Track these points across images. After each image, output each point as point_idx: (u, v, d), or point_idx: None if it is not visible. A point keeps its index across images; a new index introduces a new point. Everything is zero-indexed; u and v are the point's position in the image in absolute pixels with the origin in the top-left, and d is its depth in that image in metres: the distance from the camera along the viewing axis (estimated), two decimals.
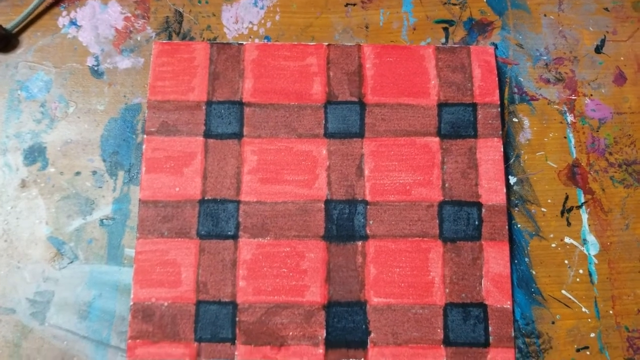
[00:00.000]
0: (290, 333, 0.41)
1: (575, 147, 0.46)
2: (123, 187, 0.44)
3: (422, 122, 0.45)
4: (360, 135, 0.45)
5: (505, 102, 0.47)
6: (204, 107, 0.45)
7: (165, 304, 0.42)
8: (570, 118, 0.46)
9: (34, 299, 0.42)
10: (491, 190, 0.44)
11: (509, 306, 0.42)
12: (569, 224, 0.44)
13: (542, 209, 0.44)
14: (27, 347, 0.41)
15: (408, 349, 0.41)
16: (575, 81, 0.47)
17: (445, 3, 0.49)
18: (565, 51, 0.48)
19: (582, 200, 0.45)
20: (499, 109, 0.45)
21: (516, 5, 0.49)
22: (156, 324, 0.41)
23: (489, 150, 0.45)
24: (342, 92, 0.46)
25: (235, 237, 0.43)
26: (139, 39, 0.48)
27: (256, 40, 0.48)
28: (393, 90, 0.46)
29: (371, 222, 0.43)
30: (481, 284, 0.42)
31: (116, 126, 0.46)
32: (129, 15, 0.48)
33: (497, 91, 0.46)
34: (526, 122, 0.46)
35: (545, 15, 0.49)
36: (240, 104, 0.45)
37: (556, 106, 0.47)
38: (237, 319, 0.41)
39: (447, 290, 0.42)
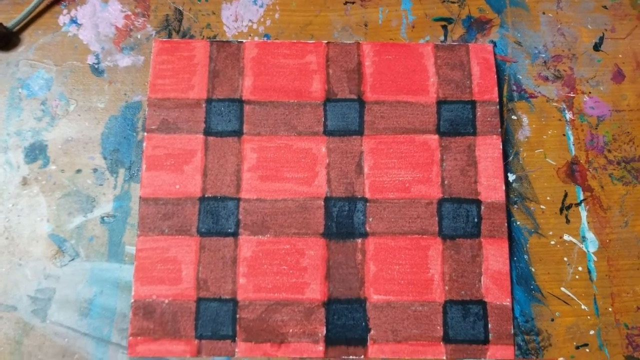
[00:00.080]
0: (291, 330, 0.42)
1: (574, 145, 0.46)
2: (124, 184, 0.44)
3: (421, 120, 0.45)
4: (360, 132, 0.45)
5: (504, 99, 0.47)
6: (204, 105, 0.45)
7: (166, 301, 0.42)
8: (569, 115, 0.46)
9: (35, 296, 0.42)
10: (490, 188, 0.44)
11: (508, 303, 0.42)
12: (568, 221, 0.44)
13: (541, 207, 0.44)
14: (28, 344, 0.41)
15: (408, 346, 0.41)
16: (574, 79, 0.47)
17: (444, 1, 0.49)
18: (563, 49, 0.48)
19: (581, 197, 0.45)
20: (498, 107, 0.45)
21: (515, 3, 0.49)
22: (157, 321, 0.41)
23: (488, 148, 0.45)
24: (342, 89, 0.46)
25: (235, 234, 0.43)
26: (139, 37, 0.48)
27: (256, 39, 0.48)
28: (392, 88, 0.46)
29: (371, 219, 0.43)
30: (480, 281, 0.42)
31: (117, 124, 0.46)
32: (129, 13, 0.48)
33: (496, 89, 0.46)
34: (525, 120, 0.46)
35: (543, 13, 0.49)
36: (240, 102, 0.46)
37: (555, 104, 0.47)
38: (237, 316, 0.42)
39: (447, 288, 0.42)
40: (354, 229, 0.43)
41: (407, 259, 0.43)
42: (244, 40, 0.47)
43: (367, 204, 0.44)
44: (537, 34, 0.48)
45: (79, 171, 0.45)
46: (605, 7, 0.49)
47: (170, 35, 0.48)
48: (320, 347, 0.41)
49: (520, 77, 0.47)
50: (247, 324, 0.41)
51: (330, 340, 0.41)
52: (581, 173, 0.45)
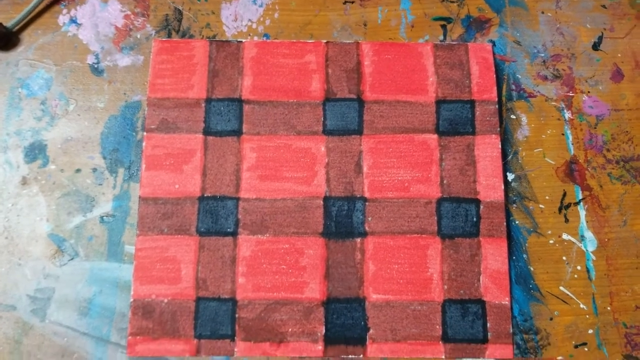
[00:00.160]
0: (290, 329, 0.42)
1: (572, 144, 0.46)
2: (123, 184, 0.45)
3: (420, 119, 0.45)
4: (359, 132, 0.45)
5: (503, 99, 0.47)
6: (203, 105, 0.45)
7: (165, 300, 0.42)
8: (567, 115, 0.47)
9: (35, 296, 0.42)
10: (489, 187, 0.44)
11: (507, 302, 0.42)
12: (566, 220, 0.44)
13: (540, 206, 0.45)
14: (27, 344, 0.41)
15: (407, 345, 0.41)
16: (573, 78, 0.47)
17: (443, 0, 0.49)
18: (562, 48, 0.48)
19: (580, 196, 0.45)
20: (497, 106, 0.46)
21: (514, 2, 0.49)
22: (156, 320, 0.41)
23: (487, 147, 0.45)
24: (341, 89, 0.46)
25: (234, 233, 0.43)
26: (138, 36, 0.48)
27: (255, 38, 0.48)
28: (391, 88, 0.46)
29: (370, 218, 0.43)
30: (479, 281, 0.42)
31: (116, 124, 0.46)
32: (129, 13, 0.48)
33: (495, 88, 0.46)
34: (524, 119, 0.46)
35: (542, 13, 0.49)
36: (240, 102, 0.46)
37: (554, 103, 0.47)
38: (236, 315, 0.42)
39: (446, 287, 0.42)
40: (353, 228, 0.43)
41: (406, 258, 0.43)
42: (244, 40, 0.47)
43: (366, 203, 0.44)
44: (536, 33, 0.48)
45: (78, 171, 0.45)
46: (604, 6, 0.49)
47: (169, 35, 0.48)
48: (320, 347, 0.41)
49: (519, 77, 0.47)
50: (246, 323, 0.42)
51: (330, 340, 0.41)
52: (580, 172, 0.45)
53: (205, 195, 0.44)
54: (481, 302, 0.42)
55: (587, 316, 0.42)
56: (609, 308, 0.43)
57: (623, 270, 0.43)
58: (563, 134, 0.46)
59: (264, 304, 0.42)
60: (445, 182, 0.44)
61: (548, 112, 0.47)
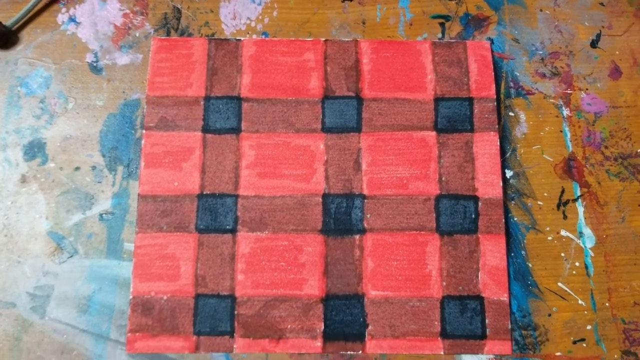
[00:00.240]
0: (289, 326, 0.42)
1: (571, 141, 0.46)
2: (122, 182, 0.45)
3: (418, 117, 0.45)
4: (358, 129, 0.45)
5: (502, 96, 0.47)
6: (202, 103, 0.46)
7: (165, 297, 0.42)
8: (566, 112, 0.47)
9: (34, 293, 0.42)
10: (487, 184, 0.44)
11: (505, 299, 0.42)
12: (565, 217, 0.44)
13: (539, 202, 0.45)
14: (27, 341, 0.41)
15: (405, 341, 0.41)
16: (571, 75, 0.48)
17: None
18: (561, 46, 0.48)
19: (578, 193, 0.45)
20: (495, 103, 0.46)
21: (512, 0, 0.49)
22: (155, 317, 0.42)
23: (486, 144, 0.45)
24: (340, 87, 0.46)
25: (233, 231, 0.43)
26: (137, 35, 0.48)
27: (254, 36, 0.48)
28: (390, 85, 0.46)
29: (368, 215, 0.44)
30: (478, 277, 0.42)
31: (115, 122, 0.46)
32: (128, 11, 0.49)
33: (493, 85, 0.46)
34: (522, 116, 0.46)
35: (541, 10, 0.49)
36: (238, 99, 0.46)
37: (552, 100, 0.47)
38: (235, 312, 0.42)
39: (444, 283, 0.42)
40: (352, 225, 0.43)
41: (405, 255, 0.43)
42: (242, 38, 0.47)
43: (365, 200, 0.44)
44: (534, 31, 0.49)
45: (77, 169, 0.45)
46: (602, 4, 0.49)
47: (168, 34, 0.48)
48: (319, 343, 0.41)
49: (518, 74, 0.47)
50: (245, 320, 0.42)
51: (329, 336, 0.41)
52: (578, 169, 0.45)
53: (204, 192, 0.44)
54: (480, 299, 0.42)
55: (586, 312, 0.43)
56: (607, 304, 0.43)
57: (621, 267, 0.43)
58: (561, 131, 0.46)
59: (263, 300, 0.42)
60: (443, 179, 0.44)
61: (546, 109, 0.47)
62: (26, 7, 0.47)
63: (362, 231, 0.43)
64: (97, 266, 0.43)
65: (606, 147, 0.46)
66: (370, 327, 0.42)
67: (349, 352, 0.41)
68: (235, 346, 0.41)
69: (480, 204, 0.44)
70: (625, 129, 0.46)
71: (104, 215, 0.44)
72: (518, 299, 0.43)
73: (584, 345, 0.42)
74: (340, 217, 0.44)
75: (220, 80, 0.46)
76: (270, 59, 0.47)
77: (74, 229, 0.44)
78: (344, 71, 0.47)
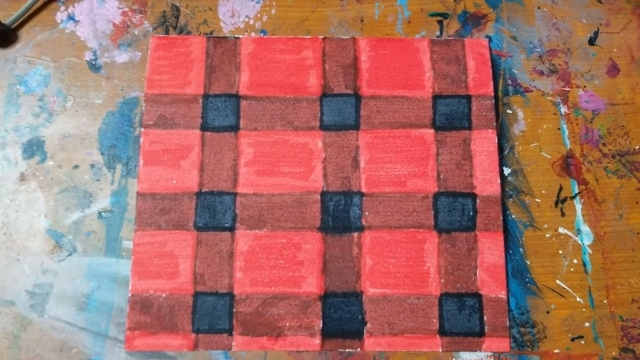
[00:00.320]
0: (287, 324, 0.42)
1: (569, 138, 0.46)
2: (121, 180, 0.45)
3: (417, 114, 0.46)
4: (356, 127, 0.45)
5: (500, 94, 0.47)
6: (200, 100, 0.46)
7: (163, 295, 0.42)
8: (563, 109, 0.47)
9: (33, 291, 0.42)
10: (485, 181, 0.44)
11: (503, 296, 0.42)
12: (563, 214, 0.44)
13: (536, 200, 0.45)
14: (26, 339, 0.41)
15: (404, 338, 0.42)
16: (569, 73, 0.48)
17: None
18: (558, 43, 0.48)
19: (576, 190, 0.45)
20: (493, 101, 0.46)
21: None
22: (154, 315, 0.42)
23: (483, 142, 0.45)
24: (338, 84, 0.46)
25: (232, 228, 0.43)
26: (136, 33, 0.48)
27: (252, 34, 0.48)
28: (388, 83, 0.46)
29: (367, 213, 0.44)
30: (476, 274, 0.43)
31: (114, 120, 0.46)
32: (127, 10, 0.49)
33: (491, 83, 0.46)
34: (520, 114, 0.46)
35: (538, 8, 0.49)
36: (237, 97, 0.46)
37: (550, 98, 0.47)
38: (234, 310, 0.42)
39: (443, 281, 0.43)
40: (350, 222, 0.44)
41: (403, 252, 0.43)
42: (241, 36, 0.47)
43: (363, 198, 0.44)
44: (532, 28, 0.49)
45: (76, 167, 0.45)
46: (600, 1, 0.49)
47: (167, 32, 0.48)
48: (317, 340, 0.41)
49: (516, 72, 0.47)
50: (243, 317, 0.42)
51: (327, 334, 0.42)
52: (576, 166, 0.45)
53: (202, 190, 0.44)
54: (478, 296, 0.42)
55: (584, 309, 0.43)
56: (605, 301, 0.43)
57: (619, 264, 0.44)
58: (559, 129, 0.46)
59: (261, 298, 0.42)
60: (441, 176, 0.44)
61: (544, 106, 0.47)
62: (25, 5, 0.47)
63: (361, 229, 0.43)
64: (96, 264, 0.43)
65: (604, 145, 0.46)
66: (368, 325, 0.42)
67: (347, 350, 0.41)
68: (233, 344, 0.41)
69: (478, 201, 0.44)
70: (623, 126, 0.46)
71: (102, 213, 0.44)
72: (516, 297, 0.43)
73: (582, 342, 0.42)
74: (339, 214, 0.44)
75: (219, 78, 0.46)
76: (268, 57, 0.47)
77: (72, 227, 0.44)
78: (342, 69, 0.47)
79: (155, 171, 0.44)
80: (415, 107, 0.46)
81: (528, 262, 0.43)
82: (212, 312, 0.42)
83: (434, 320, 0.42)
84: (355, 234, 0.43)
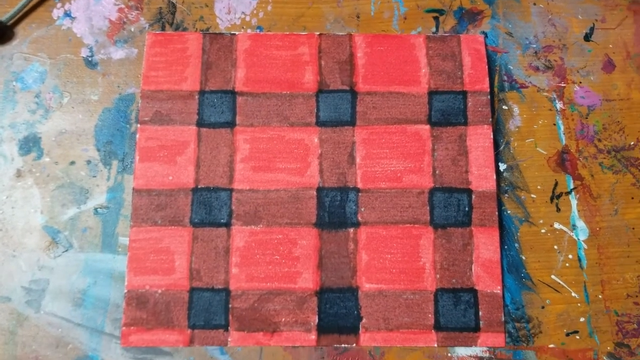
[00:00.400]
0: (283, 319, 0.42)
1: (564, 134, 0.46)
2: (117, 176, 0.45)
3: (412, 110, 0.46)
4: (352, 123, 0.45)
5: (495, 89, 0.47)
6: (196, 97, 0.46)
7: (159, 291, 0.42)
8: (559, 105, 0.47)
9: (29, 287, 0.42)
10: (481, 177, 0.44)
11: (499, 291, 0.42)
12: (558, 209, 0.45)
13: (532, 195, 0.45)
14: (22, 335, 0.42)
15: (399, 334, 0.42)
16: (565, 69, 0.48)
17: None
18: (554, 39, 0.48)
19: (572, 186, 0.45)
20: (489, 97, 0.46)
21: None
22: (150, 311, 0.42)
23: (479, 138, 0.45)
24: (334, 80, 0.46)
25: (228, 224, 0.43)
26: (132, 29, 0.48)
27: (248, 31, 0.48)
28: (384, 79, 0.46)
29: (362, 209, 0.44)
30: (471, 270, 0.43)
31: (110, 116, 0.46)
32: (123, 6, 0.49)
33: (487, 79, 0.46)
34: (516, 110, 0.47)
35: (534, 4, 0.49)
36: (233, 93, 0.46)
37: (545, 93, 0.47)
38: (230, 305, 0.42)
39: (438, 276, 0.43)
40: (346, 218, 0.44)
41: (399, 248, 0.43)
42: (237, 33, 0.47)
43: (359, 193, 0.44)
44: (528, 24, 0.49)
45: (72, 163, 0.45)
46: None
47: (163, 28, 0.48)
48: (313, 336, 0.41)
49: (511, 68, 0.48)
50: (239, 313, 0.42)
51: (323, 329, 0.42)
52: (571, 162, 0.46)
53: (198, 186, 0.44)
54: (473, 291, 0.42)
55: (579, 304, 0.43)
56: (600, 296, 0.43)
57: (614, 259, 0.44)
58: (555, 124, 0.46)
59: (257, 294, 0.42)
60: (437, 172, 0.44)
61: (540, 102, 0.47)
62: (21, 2, 0.47)
63: (356, 224, 0.43)
64: (92, 260, 0.43)
65: (599, 140, 0.46)
66: (364, 320, 0.42)
67: (343, 345, 0.41)
68: (229, 339, 0.41)
69: (473, 197, 0.44)
70: (618, 122, 0.46)
71: (98, 209, 0.44)
72: (511, 292, 0.43)
73: (577, 337, 0.42)
74: (335, 210, 0.44)
75: (215, 75, 0.46)
76: (264, 53, 0.47)
77: (69, 223, 0.44)
78: (338, 65, 0.47)
79: (151, 167, 0.44)
80: (411, 103, 0.46)
81: (523, 258, 0.43)
82: (208, 308, 0.42)
83: (430, 315, 0.42)
84: (351, 230, 0.43)
